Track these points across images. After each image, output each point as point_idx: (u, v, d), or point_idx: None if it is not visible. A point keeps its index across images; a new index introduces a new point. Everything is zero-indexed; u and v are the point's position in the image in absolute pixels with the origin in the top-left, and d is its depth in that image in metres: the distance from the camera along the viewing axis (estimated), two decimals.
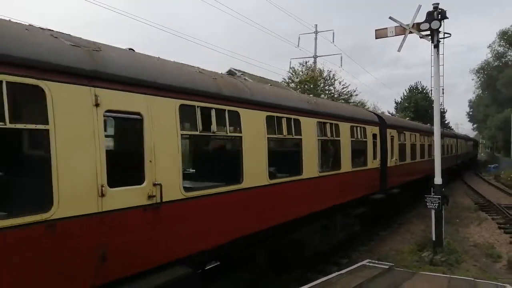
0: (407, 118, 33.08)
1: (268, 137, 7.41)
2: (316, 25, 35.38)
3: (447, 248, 11.52)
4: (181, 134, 5.55)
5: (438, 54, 11.69)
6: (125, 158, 5.35)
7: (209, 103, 6.02)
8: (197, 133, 5.90)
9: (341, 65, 34.93)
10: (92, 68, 4.42)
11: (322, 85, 34.05)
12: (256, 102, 7.20)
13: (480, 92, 68.19)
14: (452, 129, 64.96)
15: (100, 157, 4.39)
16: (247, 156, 6.78)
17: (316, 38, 35.23)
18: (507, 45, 54.60)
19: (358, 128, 11.73)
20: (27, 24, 4.32)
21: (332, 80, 34.76)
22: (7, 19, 4.36)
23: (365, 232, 13.26)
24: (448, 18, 11.49)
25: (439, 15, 11.38)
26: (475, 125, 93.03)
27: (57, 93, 4.02)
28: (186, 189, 5.63)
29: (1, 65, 3.62)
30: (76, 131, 4.20)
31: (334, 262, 11.10)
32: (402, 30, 11.90)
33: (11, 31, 3.96)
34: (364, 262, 10.06)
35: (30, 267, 3.76)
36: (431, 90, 12.27)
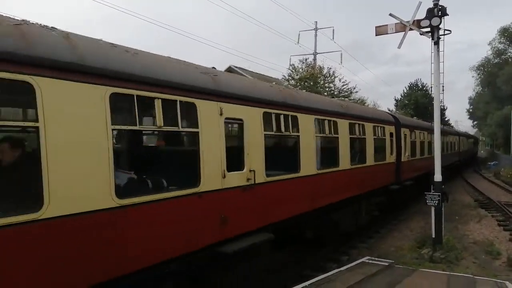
0: (411, 116, 33.01)
1: (316, 136, 9.37)
2: (316, 22, 35.29)
3: (447, 245, 11.53)
4: (264, 134, 7.49)
5: (438, 51, 11.66)
6: (234, 151, 6.90)
7: (281, 110, 8.02)
8: (273, 133, 7.90)
9: (341, 62, 34.81)
10: (216, 89, 6.42)
11: (322, 82, 34.00)
12: (308, 108, 9.10)
13: (480, 89, 68.12)
14: (452, 126, 64.97)
15: (223, 150, 6.40)
16: (303, 151, 8.73)
17: (316, 35, 35.14)
18: (508, 42, 54.51)
19: (379, 128, 13.61)
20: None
21: (332, 77, 34.72)
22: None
23: (381, 221, 14.73)
24: (448, 15, 11.45)
25: (440, 12, 11.35)
26: (475, 122, 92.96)
27: (203, 107, 6.06)
28: (267, 175, 7.49)
29: (177, 90, 5.64)
30: (213, 133, 6.24)
31: (334, 259, 11.12)
32: (402, 27, 11.87)
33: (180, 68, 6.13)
34: (364, 259, 10.09)
35: (187, 217, 5.82)
36: (431, 87, 12.24)
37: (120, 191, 4.81)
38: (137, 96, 5.01)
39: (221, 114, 6.40)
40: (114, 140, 5.33)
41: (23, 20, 4.30)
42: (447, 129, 34.31)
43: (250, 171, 6.98)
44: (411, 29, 11.70)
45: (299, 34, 34.05)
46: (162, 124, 5.33)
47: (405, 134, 16.51)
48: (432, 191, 11.53)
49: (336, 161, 10.43)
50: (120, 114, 5.16)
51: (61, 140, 4.16)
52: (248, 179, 6.94)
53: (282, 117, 7.99)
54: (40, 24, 4.47)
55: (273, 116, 7.80)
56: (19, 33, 3.99)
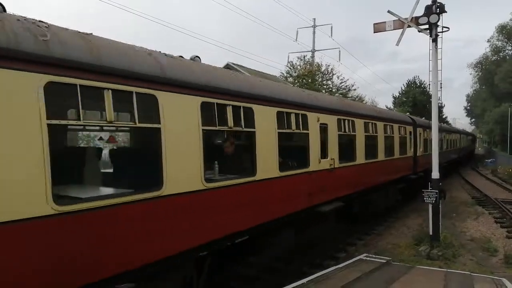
0: (407, 113, 33.14)
1: (365, 135, 12.53)
2: (314, 19, 35.22)
3: (444, 243, 11.56)
4: (338, 134, 10.56)
5: (436, 48, 11.64)
6: (323, 145, 9.72)
7: (349, 117, 11.48)
8: (341, 133, 10.88)
9: (339, 60, 34.97)
10: (317, 104, 9.70)
11: (320, 79, 34.00)
12: (362, 115, 12.51)
13: (478, 86, 68.27)
14: (450, 124, 65.10)
15: (320, 144, 9.57)
16: (358, 146, 12.03)
17: (314, 32, 35.07)
18: (506, 40, 54.57)
19: (402, 128, 16.92)
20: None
21: (330, 75, 34.74)
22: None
23: (378, 218, 15.69)
24: (446, 12, 11.43)
25: (438, 9, 11.33)
26: (472, 120, 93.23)
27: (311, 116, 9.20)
28: (340, 162, 10.53)
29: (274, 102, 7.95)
30: (316, 135, 9.49)
31: (332, 256, 11.14)
32: (400, 24, 11.85)
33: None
34: (361, 256, 10.10)
35: (272, 193, 7.91)
36: (429, 84, 12.24)
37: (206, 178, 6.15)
38: (217, 104, 6.35)
39: (318, 120, 9.55)
40: (203, 139, 6.06)
41: (151, 51, 5.76)
42: (450, 128, 39.02)
43: (331, 159, 10.16)
44: (409, 26, 11.68)
45: (297, 31, 34.02)
46: (277, 127, 7.93)
47: (420, 133, 19.89)
48: (429, 188, 11.54)
49: (375, 154, 13.48)
50: (206, 118, 6.15)
51: (173, 138, 5.48)
52: (330, 165, 10.07)
53: (346, 122, 11.21)
54: (147, 51, 5.68)
55: (343, 121, 11.06)
56: (154, 59, 5.55)
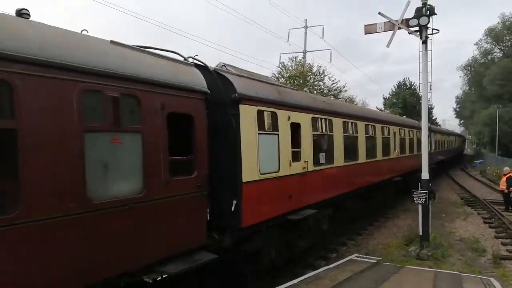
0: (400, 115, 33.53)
1: (381, 137, 15.78)
2: (306, 20, 35.39)
3: (434, 243, 11.66)
4: (313, 134, 10.18)
5: (426, 50, 11.75)
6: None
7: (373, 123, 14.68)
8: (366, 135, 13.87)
9: (331, 61, 35.21)
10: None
11: (311, 80, 34.09)
12: (388, 122, 16.95)
13: (467, 88, 69.00)
14: (439, 125, 65.71)
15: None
16: (378, 145, 15.26)
17: (305, 33, 35.23)
18: (494, 42, 55.23)
19: (415, 131, 21.00)
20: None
21: (322, 76, 34.85)
22: None
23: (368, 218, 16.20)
24: (436, 14, 11.54)
25: (428, 11, 11.43)
26: (461, 121, 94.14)
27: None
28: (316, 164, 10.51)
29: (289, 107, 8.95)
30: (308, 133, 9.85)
31: (322, 257, 11.17)
32: (391, 26, 11.93)
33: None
34: (352, 257, 10.15)
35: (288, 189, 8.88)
36: (419, 86, 12.35)
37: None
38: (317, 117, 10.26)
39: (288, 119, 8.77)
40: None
41: (270, 80, 9.20)
42: (447, 130, 45.97)
43: (305, 161, 9.82)
44: (400, 28, 11.76)
45: (289, 32, 34.15)
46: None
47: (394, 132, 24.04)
48: (419, 189, 11.63)
49: (389, 152, 16.53)
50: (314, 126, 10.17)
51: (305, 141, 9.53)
52: (303, 168, 9.65)
53: (377, 127, 14.47)
54: (260, 79, 8.87)
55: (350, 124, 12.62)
56: (277, 90, 8.88)
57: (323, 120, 10.60)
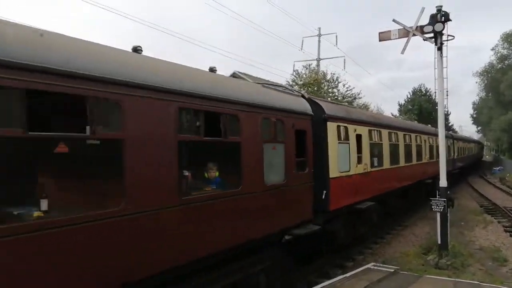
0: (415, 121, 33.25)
1: (415, 145, 18.12)
2: (320, 28, 35.39)
3: (453, 252, 11.43)
4: (369, 142, 12.54)
5: (441, 56, 11.65)
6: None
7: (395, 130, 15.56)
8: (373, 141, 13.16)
9: (344, 68, 35.07)
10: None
11: (325, 87, 34.04)
12: (420, 132, 18.92)
13: (484, 94, 67.85)
14: (456, 132, 64.75)
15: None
16: (413, 151, 17.42)
17: (319, 41, 35.22)
18: (511, 48, 54.32)
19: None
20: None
21: (336, 83, 34.78)
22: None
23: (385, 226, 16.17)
24: (451, 20, 11.45)
25: (443, 18, 11.35)
26: (479, 128, 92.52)
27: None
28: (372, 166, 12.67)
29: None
30: (366, 142, 12.39)
31: (339, 265, 11.06)
32: (405, 33, 11.87)
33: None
34: (369, 265, 10.01)
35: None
36: (435, 92, 12.22)
37: None
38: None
39: (354, 131, 11.37)
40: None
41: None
42: (468, 138, 50.08)
43: (365, 164, 12.19)
44: (414, 35, 11.70)
45: (302, 40, 34.17)
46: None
47: (452, 143, 28.71)
48: (437, 196, 11.45)
49: (410, 158, 17.37)
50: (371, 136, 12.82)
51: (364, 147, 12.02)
52: (364, 169, 12.00)
53: (399, 134, 15.28)
54: (334, 102, 11.54)
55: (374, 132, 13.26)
56: (346, 110, 12.07)
57: (375, 131, 13.33)
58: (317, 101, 10.18)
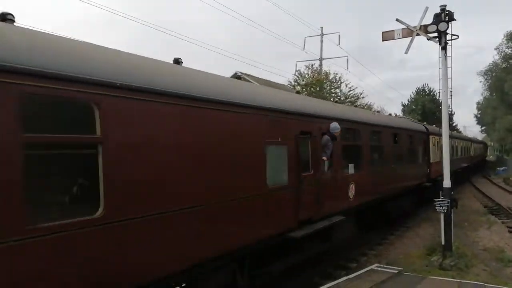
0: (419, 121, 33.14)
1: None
2: (322, 27, 35.31)
3: (457, 252, 11.37)
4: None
5: (445, 56, 11.59)
6: None
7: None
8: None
9: (347, 68, 34.87)
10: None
11: (328, 88, 33.98)
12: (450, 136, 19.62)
13: (488, 94, 67.53)
14: (460, 132, 64.56)
15: None
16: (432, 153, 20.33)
17: (322, 41, 35.13)
18: None
19: (461, 141, 33.28)
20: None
21: (339, 83, 34.70)
22: None
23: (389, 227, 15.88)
24: (455, 19, 11.40)
25: (447, 17, 11.30)
26: (483, 128, 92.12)
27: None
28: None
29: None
30: (435, 147, 20.69)
31: (343, 266, 11.01)
32: (409, 32, 11.83)
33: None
34: (372, 267, 9.97)
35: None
36: (439, 92, 12.17)
37: None
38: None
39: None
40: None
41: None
42: (475, 139, 53.17)
43: None
44: (418, 35, 11.65)
45: (304, 40, 34.09)
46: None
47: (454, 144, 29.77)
48: (441, 197, 11.39)
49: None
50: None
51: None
52: None
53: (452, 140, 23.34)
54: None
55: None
56: (429, 127, 21.14)
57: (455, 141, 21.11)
58: (423, 124, 20.46)
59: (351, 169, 10.86)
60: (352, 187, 10.71)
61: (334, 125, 9.40)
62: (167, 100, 5.25)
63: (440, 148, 21.14)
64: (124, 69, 4.91)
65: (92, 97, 4.40)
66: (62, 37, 4.95)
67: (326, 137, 9.19)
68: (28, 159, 3.80)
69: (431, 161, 19.57)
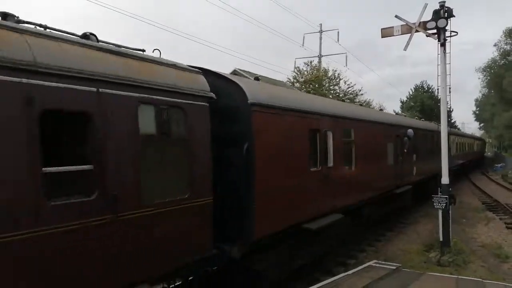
0: (415, 118, 33.18)
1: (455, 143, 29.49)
2: (321, 24, 35.22)
3: (455, 249, 11.43)
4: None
5: (444, 52, 11.59)
6: None
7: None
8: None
9: (346, 65, 34.92)
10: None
11: (327, 84, 33.93)
12: (460, 135, 35.97)
13: (486, 91, 67.59)
14: (459, 129, 64.65)
15: None
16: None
17: (320, 38, 35.06)
18: None
19: (467, 139, 39.99)
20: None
21: (337, 80, 34.65)
22: None
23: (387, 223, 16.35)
24: (454, 16, 11.40)
25: (446, 13, 11.29)
26: (481, 124, 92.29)
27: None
28: None
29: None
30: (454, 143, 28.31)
31: (341, 263, 11.05)
32: (408, 29, 11.83)
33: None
34: (371, 263, 10.01)
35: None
36: (438, 89, 12.18)
37: None
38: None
39: None
40: None
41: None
42: (475, 136, 57.48)
43: None
44: (417, 31, 11.65)
45: (303, 37, 34.00)
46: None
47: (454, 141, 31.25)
48: (439, 193, 11.43)
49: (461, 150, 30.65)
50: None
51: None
52: None
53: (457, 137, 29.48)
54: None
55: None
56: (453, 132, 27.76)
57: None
58: (436, 124, 17.80)
59: (414, 157, 17.31)
60: (414, 168, 17.42)
61: (410, 131, 16.17)
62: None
63: (458, 146, 27.60)
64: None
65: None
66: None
67: (405, 138, 15.87)
68: None
69: (451, 154, 27.51)
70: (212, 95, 6.18)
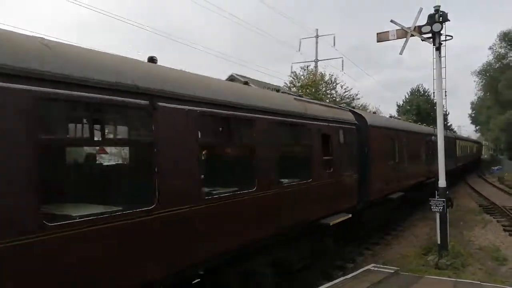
0: (410, 121, 33.33)
1: (460, 147, 36.08)
2: (317, 29, 35.39)
3: (453, 252, 11.42)
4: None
5: (440, 56, 11.65)
6: None
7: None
8: None
9: (342, 69, 35.02)
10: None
11: (323, 89, 34.01)
12: (465, 139, 45.16)
13: (482, 94, 67.92)
14: (455, 132, 64.92)
15: None
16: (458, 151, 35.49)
17: (317, 42, 35.20)
18: (509, 47, 54.38)
19: (470, 143, 46.75)
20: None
21: (334, 84, 34.75)
22: None
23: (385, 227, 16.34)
24: (449, 20, 11.46)
25: (441, 18, 11.36)
26: (477, 127, 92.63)
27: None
28: None
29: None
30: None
31: (339, 267, 11.04)
32: (403, 33, 11.88)
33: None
34: (369, 267, 10.01)
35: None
36: (434, 92, 12.23)
37: None
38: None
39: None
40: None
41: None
42: (472, 139, 60.70)
43: None
44: (412, 35, 11.71)
45: (300, 42, 34.16)
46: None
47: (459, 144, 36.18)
48: (436, 196, 11.45)
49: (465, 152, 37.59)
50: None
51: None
52: None
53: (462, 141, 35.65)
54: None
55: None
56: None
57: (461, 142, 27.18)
58: (448, 133, 24.34)
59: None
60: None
61: (434, 138, 18.32)
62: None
63: (462, 148, 29.32)
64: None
65: None
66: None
67: (431, 143, 19.10)
68: None
69: (457, 155, 32.92)
70: (356, 122, 11.80)
